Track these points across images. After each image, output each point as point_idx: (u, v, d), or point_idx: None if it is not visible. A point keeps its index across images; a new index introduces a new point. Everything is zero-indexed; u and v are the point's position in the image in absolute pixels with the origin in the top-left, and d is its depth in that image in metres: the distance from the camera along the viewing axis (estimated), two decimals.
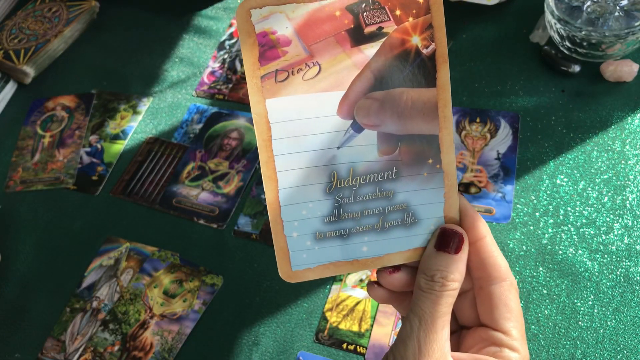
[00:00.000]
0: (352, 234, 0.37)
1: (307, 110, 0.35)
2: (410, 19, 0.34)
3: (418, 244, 0.36)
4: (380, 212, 0.36)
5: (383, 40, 0.34)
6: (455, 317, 0.37)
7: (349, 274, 0.59)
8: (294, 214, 0.36)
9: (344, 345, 0.55)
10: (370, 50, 0.34)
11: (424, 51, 0.34)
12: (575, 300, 0.54)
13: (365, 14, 0.34)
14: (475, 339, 0.35)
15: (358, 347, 0.55)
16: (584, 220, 0.58)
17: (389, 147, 0.35)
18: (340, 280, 0.58)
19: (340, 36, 0.34)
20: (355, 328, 0.56)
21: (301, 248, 0.37)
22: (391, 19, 0.34)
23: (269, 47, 0.34)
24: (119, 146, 0.73)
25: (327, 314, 0.57)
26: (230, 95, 0.75)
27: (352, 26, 0.34)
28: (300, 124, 0.35)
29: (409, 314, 0.33)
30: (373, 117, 0.34)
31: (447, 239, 0.34)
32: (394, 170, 0.36)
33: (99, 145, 0.74)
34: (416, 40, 0.34)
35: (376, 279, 0.37)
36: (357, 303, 0.57)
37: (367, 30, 0.34)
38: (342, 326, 0.56)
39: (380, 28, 0.35)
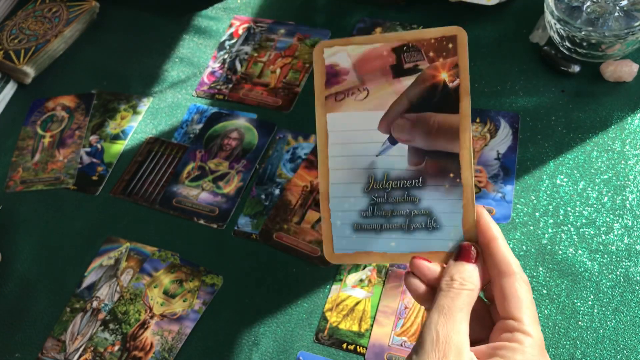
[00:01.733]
0: (384, 229, 0.43)
1: (356, 124, 0.44)
2: (440, 59, 0.42)
3: (438, 247, 0.42)
4: (407, 214, 0.43)
5: (418, 74, 0.43)
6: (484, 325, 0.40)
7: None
8: (339, 205, 0.44)
9: (344, 345, 0.55)
10: (407, 81, 0.43)
11: (450, 85, 0.42)
12: (575, 300, 0.54)
13: (405, 54, 0.44)
14: (495, 332, 0.38)
15: (358, 347, 0.55)
16: (583, 220, 0.58)
17: (417, 159, 0.43)
18: (340, 280, 0.58)
19: (385, 70, 0.44)
20: (355, 328, 0.56)
21: (343, 235, 0.44)
22: (425, 59, 0.43)
23: (333, 76, 0.44)
24: (119, 146, 0.73)
25: (327, 314, 0.57)
26: (230, 96, 0.75)
27: (395, 63, 0.43)
28: (350, 133, 0.44)
29: (431, 311, 0.37)
30: (406, 133, 0.42)
31: (465, 254, 0.40)
32: (420, 179, 0.43)
33: (99, 145, 0.74)
34: (444, 76, 0.42)
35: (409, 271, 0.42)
36: (357, 303, 0.57)
37: (406, 66, 0.43)
38: (342, 326, 0.56)
39: (417, 66, 0.43)
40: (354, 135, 0.44)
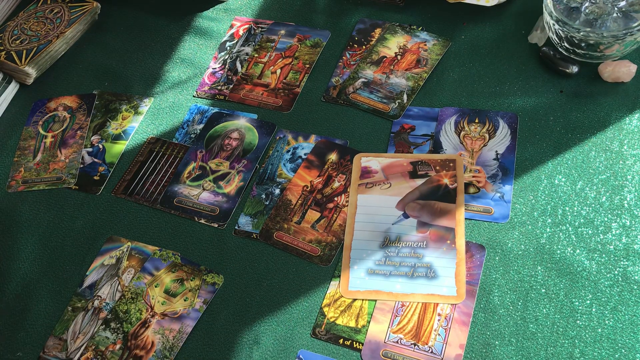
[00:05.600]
0: (392, 275, 0.57)
1: (379, 202, 0.62)
2: (444, 171, 0.62)
3: (435, 291, 0.56)
4: (412, 266, 0.58)
5: (427, 178, 0.62)
6: None
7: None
8: (358, 255, 0.59)
9: (341, 341, 0.55)
10: (419, 181, 0.62)
11: (451, 186, 0.61)
12: (574, 300, 0.54)
13: (419, 165, 0.63)
14: None
15: (354, 342, 0.55)
16: (582, 220, 0.58)
17: (424, 229, 0.60)
18: (339, 276, 0.58)
19: (404, 173, 0.63)
20: (352, 324, 0.56)
21: (357, 277, 0.58)
22: (433, 170, 0.63)
23: (366, 173, 0.64)
24: (121, 146, 0.73)
25: (325, 310, 0.57)
26: (231, 96, 0.75)
27: (411, 170, 0.63)
28: (374, 208, 0.62)
29: None
30: (416, 212, 0.61)
31: None
32: (424, 242, 0.59)
33: (100, 146, 0.74)
34: (446, 181, 0.62)
35: None
36: (355, 299, 0.57)
37: (419, 173, 0.63)
38: (339, 322, 0.56)
39: (427, 173, 0.63)
40: (377, 209, 0.61)
